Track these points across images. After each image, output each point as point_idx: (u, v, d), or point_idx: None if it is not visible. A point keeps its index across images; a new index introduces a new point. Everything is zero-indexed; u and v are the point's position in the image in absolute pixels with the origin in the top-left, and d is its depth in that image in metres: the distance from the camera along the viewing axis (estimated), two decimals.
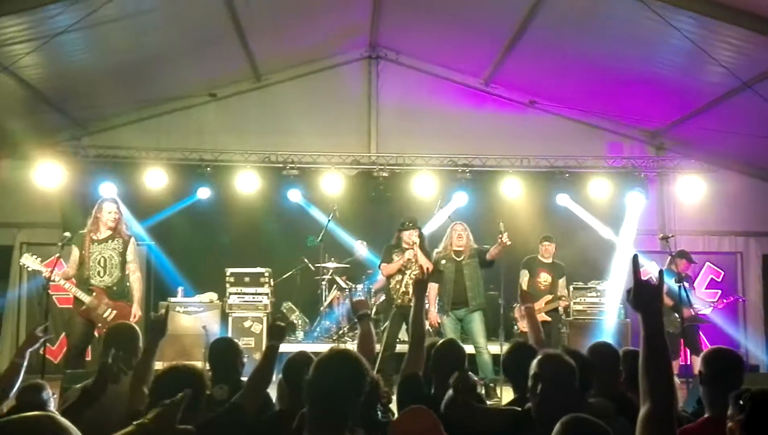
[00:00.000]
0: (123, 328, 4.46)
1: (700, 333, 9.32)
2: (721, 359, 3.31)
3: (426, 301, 8.14)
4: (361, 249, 10.17)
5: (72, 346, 7.12)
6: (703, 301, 9.48)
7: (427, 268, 7.70)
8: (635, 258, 2.49)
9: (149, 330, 3.86)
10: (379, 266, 8.52)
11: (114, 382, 3.52)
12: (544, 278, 8.94)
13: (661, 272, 2.59)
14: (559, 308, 9.05)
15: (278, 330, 3.68)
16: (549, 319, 8.73)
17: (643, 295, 2.32)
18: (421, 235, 8.14)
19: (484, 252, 8.22)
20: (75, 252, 7.00)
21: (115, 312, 6.89)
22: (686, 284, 8.46)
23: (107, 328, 4.74)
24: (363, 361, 2.69)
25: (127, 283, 7.11)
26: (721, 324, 9.92)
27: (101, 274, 6.92)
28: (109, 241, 7.01)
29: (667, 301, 8.19)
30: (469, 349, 8.52)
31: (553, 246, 9.05)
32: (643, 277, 2.40)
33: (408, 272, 7.99)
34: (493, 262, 8.21)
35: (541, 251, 9.04)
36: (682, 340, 8.18)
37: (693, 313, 8.71)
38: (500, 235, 7.75)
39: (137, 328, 4.45)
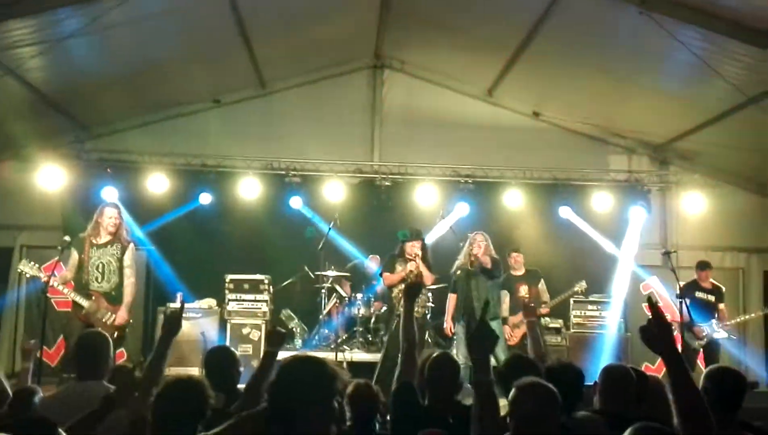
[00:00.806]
0: (94, 335, 4.36)
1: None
2: (728, 381, 3.30)
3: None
4: (372, 264, 10.11)
5: (70, 350, 7.08)
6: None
7: (417, 275, 7.72)
8: (651, 301, 2.50)
9: (162, 327, 3.77)
10: (381, 274, 8.48)
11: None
12: (524, 291, 8.89)
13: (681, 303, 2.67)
14: (541, 316, 9.00)
15: (278, 336, 3.64)
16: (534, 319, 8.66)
17: (656, 336, 2.34)
18: (423, 247, 8.10)
19: (496, 262, 8.17)
20: (74, 255, 6.98)
21: (114, 316, 6.87)
22: (687, 300, 8.50)
23: (78, 337, 4.64)
24: (330, 367, 2.56)
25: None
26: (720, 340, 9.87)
27: (99, 280, 6.89)
28: (109, 247, 6.98)
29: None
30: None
31: (521, 256, 9.01)
32: (654, 319, 2.41)
33: (416, 278, 7.94)
34: (496, 271, 8.15)
35: (511, 264, 8.99)
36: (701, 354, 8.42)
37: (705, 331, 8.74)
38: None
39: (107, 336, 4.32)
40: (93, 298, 6.81)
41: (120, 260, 6.99)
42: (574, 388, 3.53)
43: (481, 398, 2.32)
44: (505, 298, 8.77)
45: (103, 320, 6.79)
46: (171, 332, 3.64)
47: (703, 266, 9.12)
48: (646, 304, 2.59)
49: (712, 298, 9.01)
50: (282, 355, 9.10)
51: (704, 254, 10.61)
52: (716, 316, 8.88)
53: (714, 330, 8.77)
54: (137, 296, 9.43)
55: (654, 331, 2.37)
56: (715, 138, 9.34)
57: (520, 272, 9.02)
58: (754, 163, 9.96)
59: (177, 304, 9.32)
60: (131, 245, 7.18)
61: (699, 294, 8.97)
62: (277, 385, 2.47)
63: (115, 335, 6.75)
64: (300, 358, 2.58)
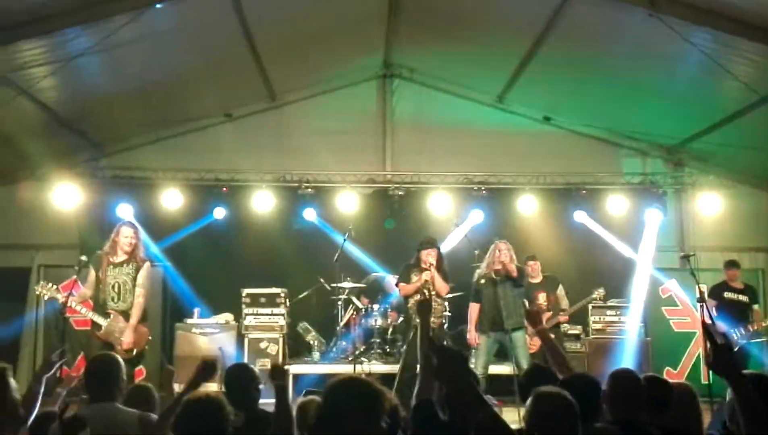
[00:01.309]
0: (102, 357, 4.37)
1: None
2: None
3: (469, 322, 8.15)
4: (392, 283, 10.06)
5: None
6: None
7: (428, 290, 7.66)
8: (705, 326, 2.53)
9: (198, 370, 3.86)
10: (397, 285, 8.45)
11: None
12: (542, 298, 8.83)
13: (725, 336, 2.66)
14: (560, 324, 8.98)
15: (280, 371, 3.77)
16: (552, 335, 8.59)
17: (722, 361, 2.33)
18: (439, 255, 8.05)
19: (521, 270, 8.10)
20: (92, 273, 7.00)
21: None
22: (714, 302, 8.49)
23: (88, 360, 4.64)
24: (376, 385, 2.55)
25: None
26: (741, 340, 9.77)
27: (115, 300, 6.90)
28: (125, 266, 6.99)
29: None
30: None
31: (538, 263, 8.95)
32: (719, 341, 2.41)
33: (426, 293, 7.90)
34: (521, 279, 8.09)
35: (527, 272, 8.80)
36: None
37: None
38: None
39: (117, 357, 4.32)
40: (111, 316, 6.82)
41: (135, 280, 6.99)
42: (591, 399, 3.49)
43: (747, 409, 2.27)
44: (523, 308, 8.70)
45: (122, 339, 6.82)
46: (201, 378, 3.79)
47: (730, 265, 9.00)
48: (701, 331, 2.63)
49: (744, 298, 8.84)
50: (300, 368, 9.14)
51: (722, 256, 10.51)
52: (749, 318, 8.69)
53: (740, 337, 8.55)
54: (154, 313, 9.53)
55: (713, 358, 2.37)
56: (729, 138, 9.26)
57: (538, 280, 8.98)
58: None
59: (192, 323, 9.38)
60: (146, 264, 7.16)
61: (728, 294, 8.84)
62: (325, 407, 2.46)
63: (134, 353, 6.77)
64: (347, 378, 2.57)
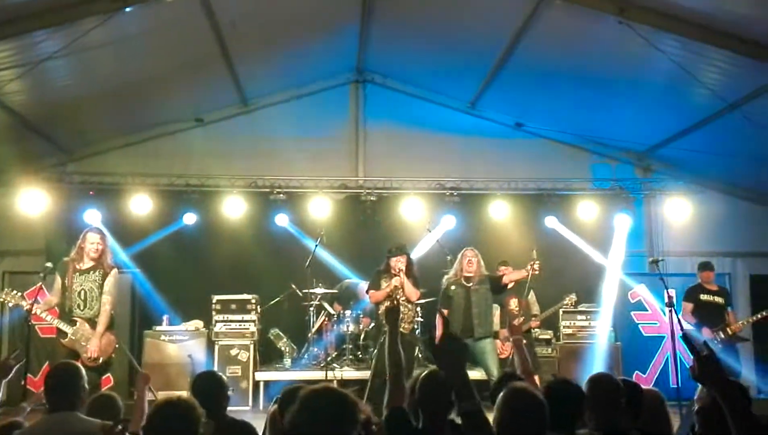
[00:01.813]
0: (63, 366, 4.27)
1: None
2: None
3: (435, 328, 8.09)
4: (364, 289, 10.01)
5: None
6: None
7: (398, 297, 7.66)
8: (685, 337, 2.53)
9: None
10: (367, 292, 8.41)
11: None
12: (513, 303, 8.77)
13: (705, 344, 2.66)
14: (531, 329, 8.96)
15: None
16: (525, 341, 8.60)
17: (709, 371, 2.34)
18: (409, 261, 8.04)
19: (496, 278, 8.10)
20: (58, 280, 6.85)
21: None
22: (684, 308, 8.56)
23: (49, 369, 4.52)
24: (350, 396, 2.54)
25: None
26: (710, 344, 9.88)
27: (81, 308, 6.71)
28: (91, 273, 6.81)
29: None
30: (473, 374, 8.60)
31: (509, 268, 8.83)
32: (699, 351, 2.42)
33: (398, 298, 7.89)
34: (506, 288, 8.13)
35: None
36: None
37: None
38: (531, 262, 7.68)
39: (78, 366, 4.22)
40: (77, 324, 6.69)
41: (102, 287, 6.81)
42: (575, 405, 3.48)
43: (735, 415, 2.27)
44: (496, 311, 8.71)
45: (88, 347, 6.69)
46: None
47: (704, 266, 8.99)
48: (682, 343, 2.64)
49: (720, 299, 8.81)
50: (272, 375, 9.05)
51: (690, 260, 10.66)
52: (726, 320, 8.65)
53: (718, 341, 8.50)
54: (122, 320, 9.38)
55: (697, 368, 2.37)
56: (698, 144, 9.39)
57: (511, 285, 8.95)
58: (738, 169, 10.02)
59: (161, 330, 9.25)
60: (114, 271, 6.97)
61: (704, 296, 8.80)
62: (298, 417, 2.42)
63: (100, 361, 6.65)
64: (321, 388, 2.54)
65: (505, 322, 8.70)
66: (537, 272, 7.70)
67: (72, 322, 6.66)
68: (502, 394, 3.05)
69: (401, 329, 7.81)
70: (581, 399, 3.53)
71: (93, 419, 3.76)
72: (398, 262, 7.86)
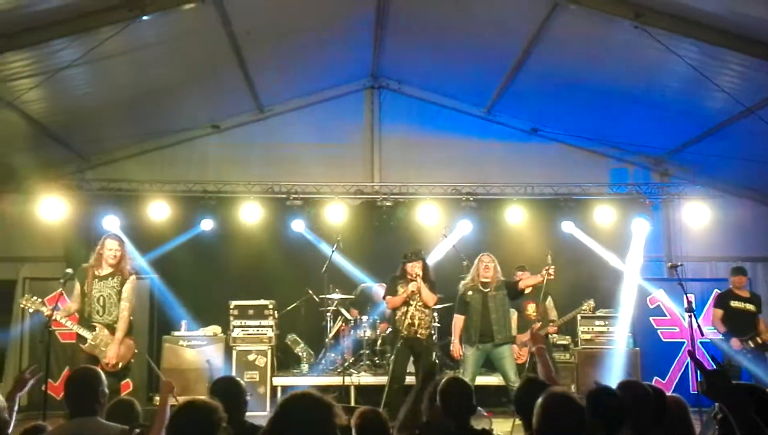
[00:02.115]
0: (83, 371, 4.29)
1: None
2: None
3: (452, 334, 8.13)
4: (380, 291, 10.03)
5: None
6: None
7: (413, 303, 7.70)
8: (692, 354, 2.52)
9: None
10: (384, 298, 8.43)
11: None
12: (531, 308, 8.79)
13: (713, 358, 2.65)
14: (549, 334, 8.97)
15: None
16: (543, 346, 8.56)
17: (716, 387, 2.34)
18: (425, 266, 8.05)
19: (512, 283, 8.10)
20: (77, 286, 6.92)
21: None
22: (714, 314, 8.51)
23: (70, 374, 4.52)
24: (327, 400, 2.55)
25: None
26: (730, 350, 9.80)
27: (100, 314, 6.79)
28: (110, 279, 6.89)
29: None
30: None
31: (527, 273, 8.79)
32: (708, 367, 2.43)
33: (414, 304, 7.89)
34: (522, 293, 8.12)
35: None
36: None
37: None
38: (546, 267, 7.65)
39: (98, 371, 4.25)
40: (96, 329, 6.75)
41: (120, 293, 6.88)
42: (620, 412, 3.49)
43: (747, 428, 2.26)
44: (513, 316, 8.69)
45: (107, 352, 6.74)
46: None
47: (736, 271, 8.78)
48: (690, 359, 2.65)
49: (751, 307, 8.60)
50: (289, 380, 9.09)
51: (709, 265, 10.61)
52: (756, 327, 8.44)
53: (746, 351, 8.34)
54: (141, 326, 9.45)
55: (707, 385, 2.38)
56: (716, 148, 9.31)
57: (528, 290, 8.92)
58: (756, 173, 9.93)
59: (179, 335, 9.31)
60: (132, 277, 7.04)
61: (735, 303, 8.61)
62: (276, 423, 2.46)
63: (119, 366, 6.70)
64: (298, 395, 2.56)
65: (523, 327, 8.68)
66: (552, 277, 7.66)
67: (91, 328, 6.73)
68: (541, 399, 3.06)
69: (418, 335, 7.82)
70: (622, 409, 3.54)
71: (113, 424, 3.80)
72: (415, 268, 7.88)
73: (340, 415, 2.53)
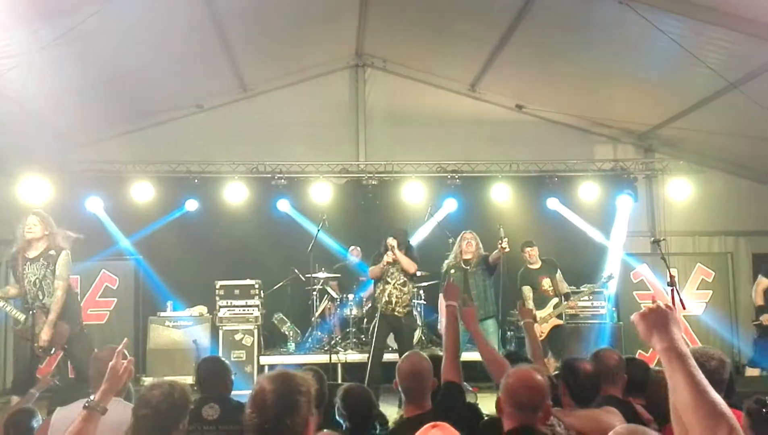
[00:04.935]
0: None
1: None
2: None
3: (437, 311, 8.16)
4: (354, 254, 10.08)
5: (17, 372, 6.70)
6: None
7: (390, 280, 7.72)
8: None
9: None
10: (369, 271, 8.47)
11: None
12: (546, 284, 8.71)
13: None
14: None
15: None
16: (561, 322, 8.60)
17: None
18: (403, 238, 8.06)
19: (486, 257, 8.16)
20: (11, 273, 6.70)
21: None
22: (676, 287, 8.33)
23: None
24: (300, 379, 2.55)
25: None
26: (713, 324, 9.93)
27: (41, 297, 6.49)
28: (41, 259, 6.55)
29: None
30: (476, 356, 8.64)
31: (536, 248, 8.85)
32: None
33: (392, 282, 7.91)
34: (495, 267, 8.17)
35: (526, 259, 8.83)
36: None
37: None
38: (500, 241, 7.68)
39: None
40: (31, 312, 6.38)
41: (54, 272, 6.54)
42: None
43: None
44: (529, 293, 8.68)
45: (41, 336, 6.37)
46: None
47: None
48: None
49: None
50: (275, 359, 9.09)
51: (692, 240, 10.70)
52: None
53: None
54: (127, 307, 9.44)
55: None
56: (699, 124, 9.38)
57: (537, 265, 8.83)
58: (739, 148, 10.01)
59: (165, 316, 9.29)
60: (63, 252, 6.57)
61: None
62: (250, 409, 2.47)
63: (53, 351, 6.47)
64: (267, 378, 2.57)
65: (539, 302, 8.57)
66: (507, 249, 7.72)
67: (26, 311, 6.45)
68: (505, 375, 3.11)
69: (396, 313, 7.85)
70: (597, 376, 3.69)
71: None
72: (390, 241, 7.91)
73: (309, 380, 2.54)
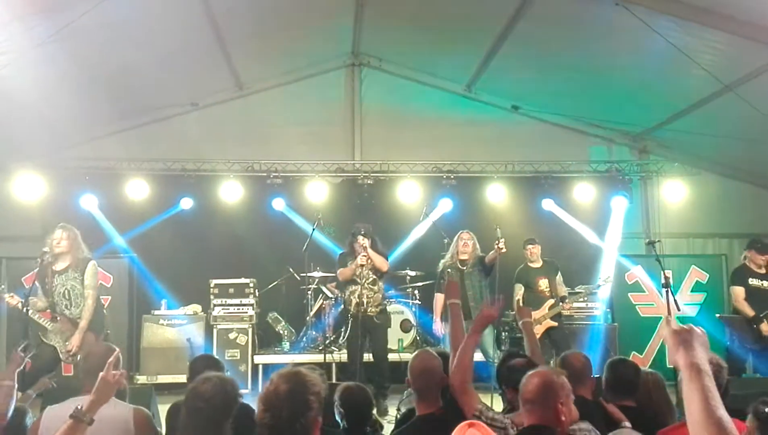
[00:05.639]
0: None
1: None
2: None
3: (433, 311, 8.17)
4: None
5: (34, 369, 6.59)
6: None
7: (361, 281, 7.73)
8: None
9: None
10: (336, 273, 8.46)
11: None
12: (544, 284, 8.64)
13: None
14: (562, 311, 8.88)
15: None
16: (556, 323, 8.52)
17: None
18: (371, 238, 8.08)
19: (482, 258, 8.14)
20: (40, 286, 6.78)
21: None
22: (734, 292, 8.03)
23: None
24: (313, 379, 2.59)
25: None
26: (707, 325, 9.93)
27: (69, 308, 6.68)
28: (69, 271, 6.76)
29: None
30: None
31: (538, 247, 8.81)
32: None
33: (362, 282, 7.91)
34: (492, 268, 8.16)
35: (527, 256, 8.80)
36: None
37: None
38: (497, 242, 7.66)
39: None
40: (58, 319, 6.64)
41: (83, 283, 6.75)
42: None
43: None
44: (519, 291, 8.65)
45: (65, 344, 6.62)
46: None
47: (757, 247, 7.91)
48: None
49: None
50: (270, 359, 9.09)
51: (686, 242, 10.73)
52: None
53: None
54: (120, 305, 9.41)
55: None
56: (694, 126, 9.40)
57: (538, 264, 8.78)
58: (733, 150, 10.02)
59: (159, 314, 9.27)
60: (91, 263, 6.88)
61: (753, 281, 7.92)
62: (262, 406, 2.47)
63: (78, 358, 6.54)
64: (281, 376, 2.57)
65: (534, 302, 8.54)
66: (503, 250, 7.66)
67: (53, 319, 6.62)
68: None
69: (368, 313, 7.84)
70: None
71: None
72: (363, 243, 7.91)
73: (314, 391, 2.54)
